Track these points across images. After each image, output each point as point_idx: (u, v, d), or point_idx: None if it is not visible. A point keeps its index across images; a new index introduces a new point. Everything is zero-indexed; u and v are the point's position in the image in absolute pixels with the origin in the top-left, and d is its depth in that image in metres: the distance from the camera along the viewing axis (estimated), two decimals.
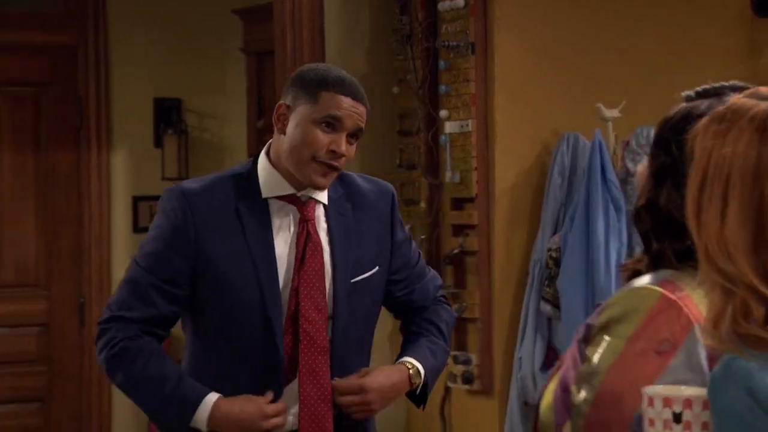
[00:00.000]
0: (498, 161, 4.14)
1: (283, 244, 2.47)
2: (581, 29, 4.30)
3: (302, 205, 2.49)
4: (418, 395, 2.58)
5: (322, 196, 2.51)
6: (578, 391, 1.60)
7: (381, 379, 2.49)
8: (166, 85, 5.66)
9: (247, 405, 2.41)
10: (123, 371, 2.46)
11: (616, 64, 4.34)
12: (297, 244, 2.47)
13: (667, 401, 1.46)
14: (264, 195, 2.48)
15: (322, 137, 2.41)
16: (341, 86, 2.44)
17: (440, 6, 4.24)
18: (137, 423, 5.60)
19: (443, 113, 4.22)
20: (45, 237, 5.48)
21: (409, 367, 2.54)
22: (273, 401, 2.44)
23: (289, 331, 2.47)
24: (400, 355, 2.59)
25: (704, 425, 1.45)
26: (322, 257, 2.47)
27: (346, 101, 2.43)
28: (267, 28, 4.67)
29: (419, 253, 2.72)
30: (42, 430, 5.50)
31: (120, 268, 5.55)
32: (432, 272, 2.75)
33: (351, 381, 2.47)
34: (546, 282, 4.08)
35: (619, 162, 4.13)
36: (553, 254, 4.07)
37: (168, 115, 5.65)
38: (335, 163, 2.42)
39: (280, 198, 2.48)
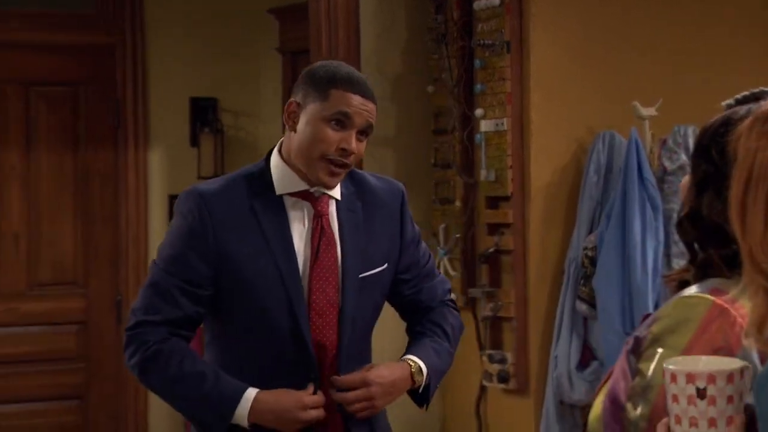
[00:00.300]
0: (533, 159, 4.13)
1: (298, 240, 2.49)
2: (617, 27, 4.28)
3: (315, 201, 2.50)
4: (420, 394, 2.56)
5: (335, 192, 2.53)
6: (634, 408, 1.59)
7: (384, 372, 2.48)
8: (202, 85, 5.69)
9: (286, 397, 2.42)
10: (157, 374, 2.49)
11: (653, 62, 4.32)
12: (312, 239, 2.48)
13: (690, 377, 1.45)
14: (278, 192, 2.49)
15: (332, 135, 2.42)
16: (350, 84, 2.44)
17: (476, 5, 4.23)
18: (173, 421, 5.63)
19: (478, 112, 4.22)
20: (82, 235, 5.52)
21: (411, 364, 2.53)
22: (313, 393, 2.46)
23: (313, 328, 2.49)
24: (404, 354, 2.58)
25: (729, 399, 1.44)
26: (335, 252, 2.49)
27: (356, 99, 2.43)
28: (302, 27, 4.68)
29: (429, 254, 2.72)
30: (80, 427, 5.54)
31: None
32: (441, 275, 2.75)
33: (353, 375, 2.47)
34: (582, 281, 4.06)
35: (656, 160, 4.11)
36: (589, 253, 4.05)
37: (204, 114, 5.67)
38: (345, 161, 2.44)
39: (293, 194, 2.50)
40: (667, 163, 4.07)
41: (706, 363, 1.49)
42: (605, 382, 1.67)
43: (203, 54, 5.66)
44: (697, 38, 4.41)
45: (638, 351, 1.63)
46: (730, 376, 1.44)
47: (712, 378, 1.44)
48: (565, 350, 4.08)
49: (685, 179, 1.76)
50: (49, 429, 5.47)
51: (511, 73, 4.12)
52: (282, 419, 2.42)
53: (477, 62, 4.22)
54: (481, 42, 4.18)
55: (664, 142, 4.11)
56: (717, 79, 4.43)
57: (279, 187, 2.49)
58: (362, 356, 2.56)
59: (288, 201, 2.50)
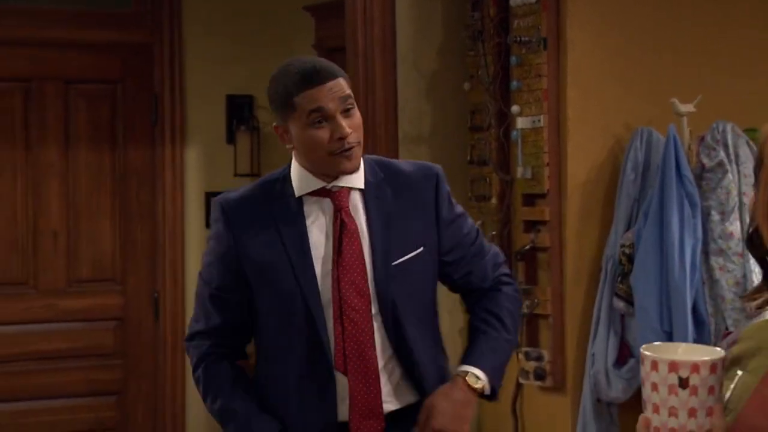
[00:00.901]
0: (570, 156, 4.12)
1: (320, 236, 2.51)
2: (655, 23, 4.26)
3: (334, 196, 2.53)
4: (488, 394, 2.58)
5: (355, 182, 2.54)
6: None
7: (443, 406, 2.49)
8: (238, 82, 5.71)
9: None
10: (204, 399, 2.65)
11: (690, 58, 4.29)
12: (333, 233, 2.50)
13: (673, 366, 1.40)
14: (297, 194, 2.53)
15: (322, 134, 2.46)
16: (302, 82, 2.46)
17: (512, 1, 4.22)
18: (211, 417, 5.66)
19: (515, 109, 4.20)
20: (120, 233, 5.56)
21: (463, 374, 2.54)
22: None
23: (339, 321, 2.49)
24: (460, 361, 2.59)
25: (710, 389, 1.40)
26: (359, 243, 2.50)
27: (315, 91, 2.45)
28: (338, 24, 4.69)
29: (477, 232, 2.69)
30: (118, 423, 5.58)
31: (193, 264, 5.63)
32: (493, 250, 2.72)
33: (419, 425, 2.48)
34: (619, 278, 4.05)
35: (694, 157, 4.08)
36: (626, 250, 4.03)
37: (240, 112, 5.70)
38: (349, 144, 2.47)
39: (312, 194, 2.53)
40: (705, 160, 4.05)
41: (685, 351, 1.45)
42: None
43: (240, 51, 5.68)
44: (735, 35, 4.38)
45: None
46: (713, 366, 1.39)
47: (695, 367, 1.39)
48: (602, 348, 4.06)
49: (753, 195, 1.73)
50: (86, 425, 5.52)
51: (547, 70, 4.11)
52: None
53: (513, 59, 4.21)
54: (518, 39, 4.17)
55: (702, 138, 4.08)
56: (756, 77, 4.40)
57: (298, 189, 2.54)
58: (422, 337, 2.54)
59: (308, 201, 2.53)
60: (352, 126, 2.47)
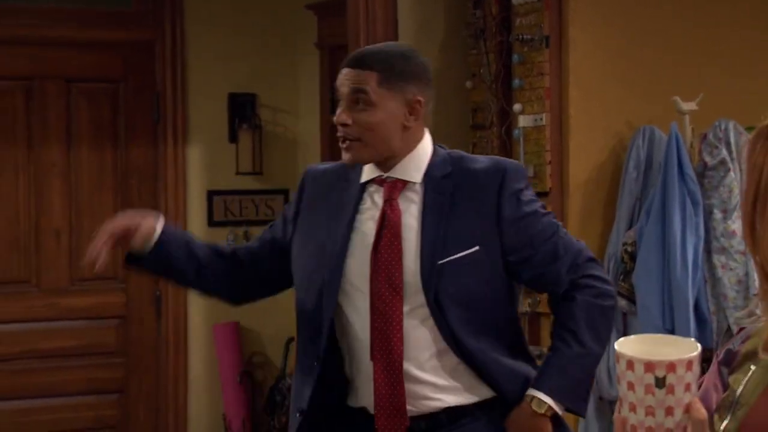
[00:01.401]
0: (572, 155, 4.12)
1: (371, 225, 2.51)
2: (656, 22, 4.25)
3: (386, 186, 2.52)
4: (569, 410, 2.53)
5: (409, 174, 2.51)
6: (720, 420, 1.54)
7: None
8: (240, 81, 5.71)
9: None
10: None
11: (692, 57, 4.29)
12: (376, 224, 2.50)
13: (649, 366, 1.36)
14: (362, 179, 2.55)
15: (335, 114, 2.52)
16: (345, 61, 2.51)
17: (514, 0, 4.22)
18: (213, 415, 5.67)
19: (517, 107, 4.20)
20: None
21: (528, 400, 2.47)
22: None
23: (373, 312, 2.48)
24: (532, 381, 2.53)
25: (687, 386, 1.37)
26: (399, 237, 2.47)
27: (342, 73, 2.49)
28: (341, 22, 4.68)
29: (553, 232, 2.52)
30: (119, 421, 5.58)
31: None
32: (574, 249, 2.54)
33: None
34: (621, 276, 4.04)
35: (696, 155, 4.08)
36: (629, 249, 4.03)
37: (242, 110, 5.70)
38: (344, 134, 2.49)
39: (373, 181, 2.54)
40: (707, 158, 4.04)
41: (659, 343, 1.41)
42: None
43: (242, 50, 5.68)
44: (737, 33, 4.37)
45: (730, 364, 1.59)
46: (689, 363, 1.37)
47: (672, 366, 1.36)
48: None
49: None
50: (89, 423, 5.52)
51: (549, 68, 4.11)
52: None
53: (515, 57, 4.21)
54: (520, 37, 4.17)
55: (704, 136, 4.08)
56: (758, 75, 4.39)
57: (364, 175, 2.55)
58: (478, 344, 2.48)
59: (369, 188, 2.55)
60: (356, 120, 2.46)
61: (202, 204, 5.66)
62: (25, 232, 5.42)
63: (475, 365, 2.48)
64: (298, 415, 2.55)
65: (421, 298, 2.46)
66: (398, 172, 2.51)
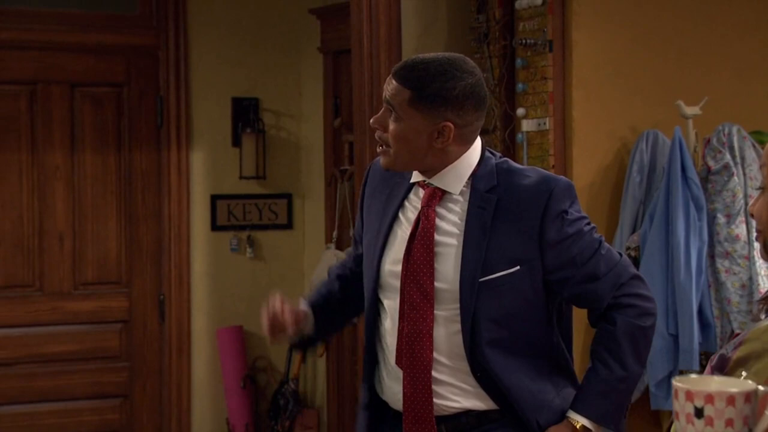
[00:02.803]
0: (576, 159, 4.12)
1: (407, 228, 2.53)
2: (659, 26, 4.25)
3: (428, 193, 2.52)
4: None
5: (447, 184, 2.50)
6: None
7: None
8: (243, 85, 5.72)
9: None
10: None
11: (696, 61, 4.29)
12: (410, 230, 2.51)
13: (689, 395, 1.40)
14: (412, 179, 2.56)
15: None
16: (395, 67, 2.51)
17: (517, 4, 4.22)
18: (216, 420, 5.67)
19: (520, 111, 4.20)
20: (126, 235, 5.57)
21: (575, 423, 2.47)
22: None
23: (402, 317, 2.49)
24: (571, 402, 2.52)
25: (728, 422, 1.38)
26: (431, 245, 2.46)
27: (388, 79, 2.49)
28: (344, 27, 4.69)
29: (595, 251, 2.48)
30: (123, 425, 5.58)
31: (198, 266, 5.63)
32: (616, 269, 2.50)
33: None
34: None
35: (699, 160, 4.08)
36: (632, 253, 4.03)
37: (246, 115, 5.70)
38: (376, 136, 2.51)
39: (419, 184, 2.55)
40: (711, 163, 4.04)
41: (718, 383, 1.44)
42: None
43: (245, 54, 5.69)
44: (741, 38, 4.37)
45: (723, 369, 1.60)
46: (730, 398, 1.38)
47: (710, 398, 1.39)
48: None
49: (762, 200, 1.68)
50: (93, 427, 5.52)
51: (553, 73, 4.11)
52: None
53: (519, 61, 4.21)
54: (523, 41, 4.17)
55: (708, 141, 4.08)
56: (761, 79, 4.39)
57: (414, 176, 2.56)
58: (510, 365, 2.47)
59: (416, 190, 2.56)
60: (391, 131, 2.46)
61: (205, 208, 5.66)
62: (29, 235, 5.42)
63: (495, 382, 2.47)
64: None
65: (455, 309, 2.45)
66: (437, 181, 2.50)
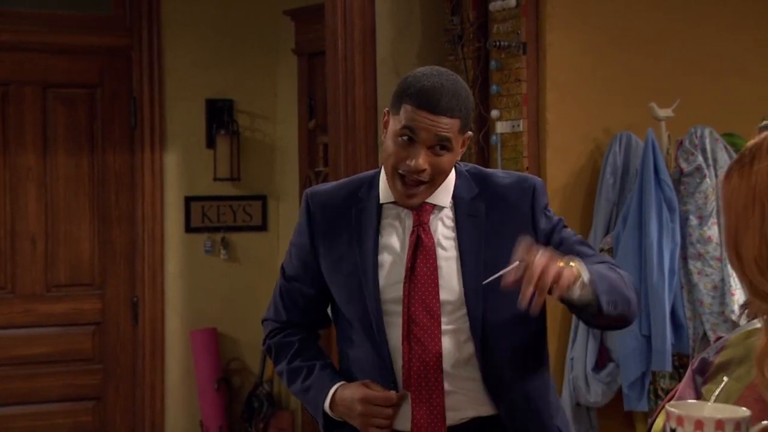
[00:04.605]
0: (549, 161, 4.13)
1: (395, 248, 2.47)
2: (634, 28, 4.27)
3: (417, 210, 2.47)
4: (586, 307, 2.33)
5: (439, 199, 2.47)
6: None
7: (546, 257, 2.23)
8: (218, 86, 5.70)
9: (355, 391, 2.45)
10: (275, 364, 2.64)
11: (669, 63, 4.31)
12: (408, 248, 2.45)
13: (699, 424, 1.41)
14: (381, 200, 2.49)
15: (399, 151, 2.38)
16: (420, 98, 2.37)
17: (491, 6, 4.23)
18: (190, 422, 5.65)
19: (494, 113, 4.21)
20: (99, 237, 5.54)
21: (568, 259, 2.28)
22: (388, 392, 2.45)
23: (407, 339, 2.43)
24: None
25: None
26: (435, 261, 2.43)
27: (422, 114, 2.36)
28: (319, 29, 4.69)
29: (578, 240, 2.50)
30: (97, 427, 5.56)
31: (173, 267, 5.62)
32: (606, 256, 2.51)
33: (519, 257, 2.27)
34: None
35: (672, 162, 4.10)
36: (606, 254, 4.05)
37: (220, 116, 5.69)
38: (418, 178, 2.39)
39: (396, 203, 2.48)
40: (683, 165, 4.06)
41: (711, 409, 1.46)
42: (667, 402, 1.64)
43: (219, 56, 5.67)
44: (714, 40, 4.40)
45: (704, 373, 1.60)
46: (738, 424, 1.41)
47: (720, 424, 1.41)
48: (581, 352, 4.07)
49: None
50: (66, 429, 5.49)
51: (527, 75, 4.12)
52: (351, 414, 2.45)
53: (493, 63, 4.22)
54: (497, 43, 4.18)
55: (680, 143, 4.10)
56: (734, 82, 4.42)
57: (383, 196, 2.49)
58: (515, 370, 2.44)
59: (389, 210, 2.49)
60: (430, 163, 2.39)
61: (179, 210, 5.65)
62: (0, 237, 5.39)
63: (504, 388, 2.45)
64: None
65: (462, 319, 2.43)
66: (429, 197, 2.47)
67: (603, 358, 4.10)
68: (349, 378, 2.52)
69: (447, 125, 2.37)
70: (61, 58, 5.47)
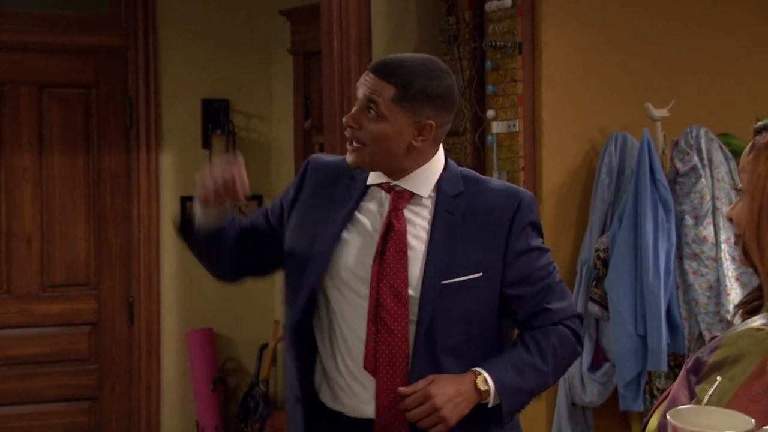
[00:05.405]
0: (545, 161, 4.13)
1: (369, 230, 2.48)
2: (630, 28, 4.27)
3: (394, 195, 2.49)
4: (492, 411, 2.45)
5: (417, 187, 2.48)
6: None
7: (446, 385, 2.38)
8: (213, 86, 5.70)
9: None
10: None
11: (665, 63, 4.31)
12: (380, 232, 2.47)
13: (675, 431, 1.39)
14: (369, 181, 2.52)
15: None
16: (370, 65, 2.47)
17: (487, 6, 4.23)
18: (186, 422, 5.64)
19: (490, 113, 4.21)
20: (95, 236, 5.54)
21: (477, 374, 2.42)
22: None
23: (373, 321, 2.44)
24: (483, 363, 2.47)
25: None
26: (404, 247, 2.44)
27: (364, 75, 2.44)
28: (314, 29, 4.68)
29: (550, 272, 2.50)
30: (92, 428, 5.55)
31: (168, 267, 5.61)
32: (567, 302, 2.53)
33: (417, 390, 2.39)
34: (594, 282, 4.06)
35: (668, 162, 4.10)
36: (601, 254, 4.05)
37: (216, 116, 5.69)
38: (348, 135, 2.45)
39: (380, 186, 2.50)
40: (679, 165, 4.06)
41: (715, 415, 1.44)
42: (663, 400, 1.64)
43: (215, 56, 5.67)
44: (710, 40, 4.40)
45: (698, 373, 1.59)
46: None
47: None
48: None
49: (741, 205, 1.67)
50: (61, 430, 5.49)
51: (522, 75, 4.12)
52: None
53: (488, 63, 4.22)
54: (493, 43, 4.18)
55: (676, 143, 4.10)
56: (729, 81, 4.42)
57: (371, 178, 2.51)
58: (454, 369, 2.44)
59: (373, 193, 2.51)
60: (361, 124, 2.42)
61: (175, 209, 5.64)
62: None
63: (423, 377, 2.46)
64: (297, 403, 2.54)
65: (414, 312, 2.44)
66: (406, 183, 2.48)
67: (599, 358, 4.11)
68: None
69: (377, 88, 2.41)
70: (57, 57, 5.46)
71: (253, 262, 2.69)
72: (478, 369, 2.43)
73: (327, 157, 2.65)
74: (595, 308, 4.04)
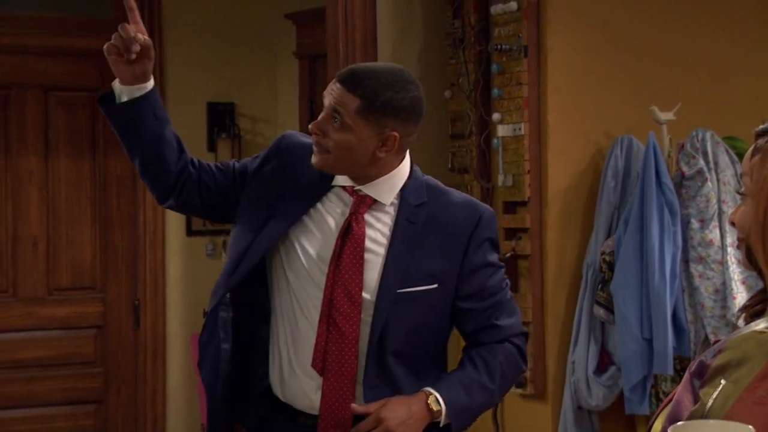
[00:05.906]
0: (551, 164, 4.13)
1: (328, 229, 2.49)
2: (635, 31, 4.27)
3: (356, 198, 2.50)
4: (443, 429, 2.49)
5: (379, 194, 2.50)
6: None
7: (398, 408, 2.43)
8: (219, 90, 5.70)
9: None
10: None
11: (671, 66, 4.31)
12: (338, 234, 2.48)
13: None
14: (334, 183, 2.52)
15: None
16: (338, 73, 2.48)
17: (493, 9, 4.23)
18: (191, 425, 5.65)
19: (496, 116, 4.21)
20: (100, 240, 5.54)
21: (428, 394, 2.47)
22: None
23: (324, 321, 2.47)
24: (433, 382, 2.51)
25: None
26: (362, 251, 2.46)
27: (332, 84, 2.45)
28: (320, 32, 4.69)
29: (502, 288, 2.55)
30: (98, 431, 5.55)
31: (174, 271, 5.61)
32: (515, 317, 2.58)
33: (369, 413, 2.42)
34: (600, 285, 4.05)
35: (673, 165, 4.10)
36: (607, 258, 4.04)
37: (221, 120, 5.69)
38: (314, 140, 2.46)
39: (344, 188, 2.51)
40: (684, 168, 4.06)
41: (714, 427, 1.44)
42: (666, 404, 1.64)
43: (221, 59, 5.67)
44: (715, 42, 4.40)
45: (702, 376, 1.59)
46: None
47: None
48: (582, 355, 4.07)
49: (744, 209, 1.66)
50: None
51: (528, 78, 4.12)
52: None
53: (494, 67, 4.22)
54: (499, 46, 4.18)
55: (681, 146, 4.10)
56: (735, 84, 4.42)
57: (337, 178, 2.52)
58: (403, 377, 2.48)
59: (338, 192, 2.52)
60: (329, 134, 2.43)
61: (180, 214, 5.64)
62: (2, 241, 5.39)
63: (394, 388, 2.50)
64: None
65: (369, 315, 2.47)
66: (370, 190, 2.50)
67: (604, 362, 4.10)
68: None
69: (342, 98, 2.42)
70: (62, 61, 5.47)
71: (197, 192, 2.63)
72: (429, 389, 2.48)
73: (303, 138, 2.62)
74: (600, 311, 4.04)
